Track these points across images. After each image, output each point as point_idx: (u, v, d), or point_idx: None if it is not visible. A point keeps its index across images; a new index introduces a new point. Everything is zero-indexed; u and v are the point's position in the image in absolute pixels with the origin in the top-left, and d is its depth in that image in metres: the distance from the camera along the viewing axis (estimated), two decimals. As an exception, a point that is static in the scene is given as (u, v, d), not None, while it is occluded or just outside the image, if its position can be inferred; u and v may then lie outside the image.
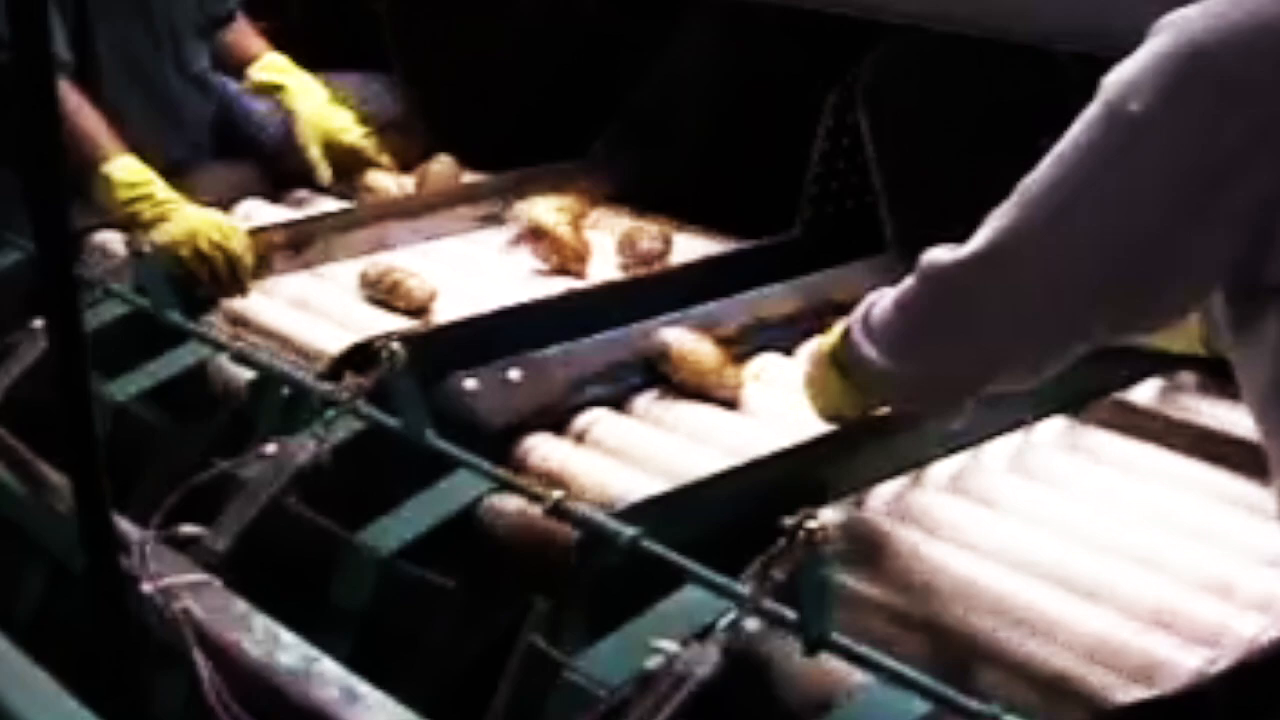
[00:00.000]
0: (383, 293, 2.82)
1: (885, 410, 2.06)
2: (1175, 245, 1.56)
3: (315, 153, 3.29)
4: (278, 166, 3.39)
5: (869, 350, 1.85)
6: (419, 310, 2.78)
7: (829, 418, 2.10)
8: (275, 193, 3.39)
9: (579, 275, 2.91)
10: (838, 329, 1.96)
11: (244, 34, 3.45)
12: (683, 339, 2.45)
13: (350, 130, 3.32)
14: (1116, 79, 1.56)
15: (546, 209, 3.02)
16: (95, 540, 1.29)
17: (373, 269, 2.88)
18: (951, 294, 1.74)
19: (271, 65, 3.38)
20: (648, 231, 2.99)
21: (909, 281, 1.80)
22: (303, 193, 3.39)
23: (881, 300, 1.86)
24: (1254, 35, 1.50)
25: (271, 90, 3.36)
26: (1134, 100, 1.54)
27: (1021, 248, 1.65)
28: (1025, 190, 1.64)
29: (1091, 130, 1.58)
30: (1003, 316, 1.71)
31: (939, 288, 1.75)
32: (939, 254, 1.75)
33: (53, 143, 1.19)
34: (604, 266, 2.96)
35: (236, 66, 3.42)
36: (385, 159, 3.34)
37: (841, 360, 1.94)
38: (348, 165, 3.31)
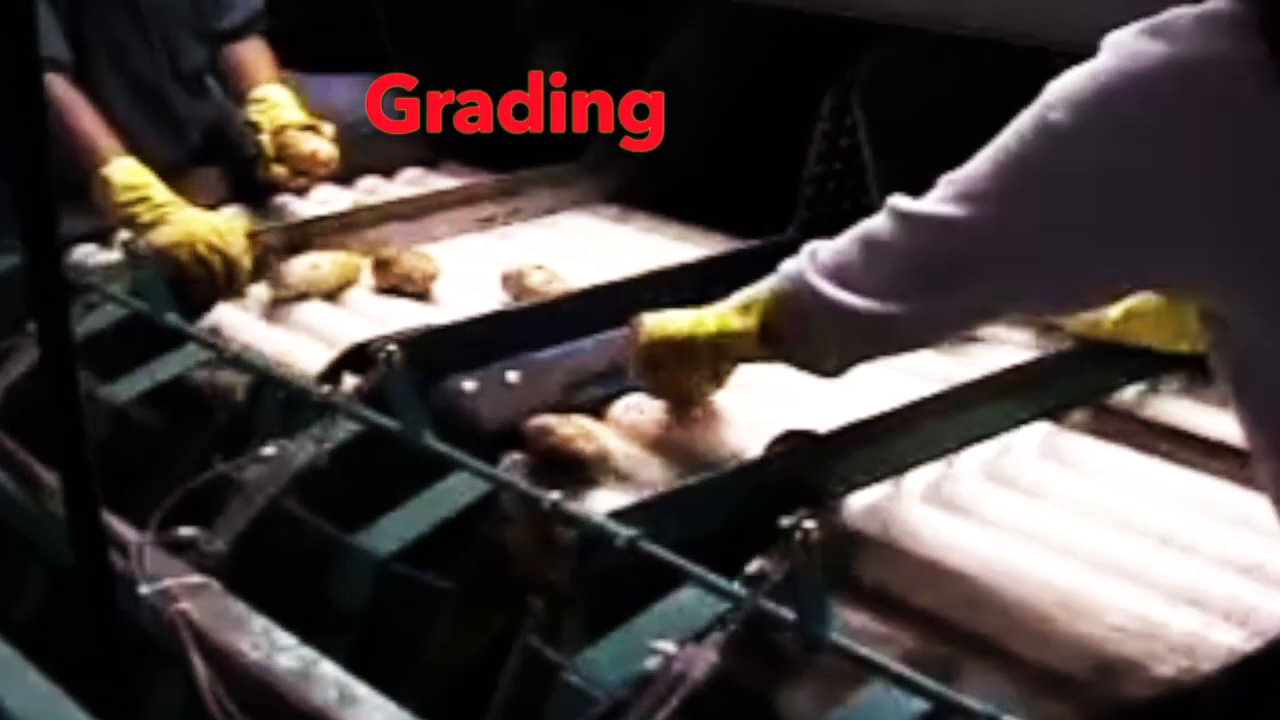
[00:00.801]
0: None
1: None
2: (1092, 249, 1.63)
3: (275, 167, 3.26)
4: (251, 173, 3.38)
5: (845, 297, 1.86)
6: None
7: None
8: (247, 200, 3.35)
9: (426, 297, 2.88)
10: (743, 297, 2.05)
11: (249, 60, 3.38)
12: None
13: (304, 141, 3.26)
14: (1053, 87, 1.62)
15: (310, 264, 2.90)
16: (85, 539, 1.29)
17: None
18: (917, 237, 1.78)
19: (255, 102, 3.31)
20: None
21: (875, 222, 1.83)
22: (281, 198, 3.37)
23: (826, 247, 1.90)
24: (1172, 72, 1.53)
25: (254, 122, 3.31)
26: (1058, 111, 1.60)
27: (962, 224, 1.71)
28: (971, 173, 1.70)
29: (1023, 132, 1.65)
30: (947, 278, 1.77)
31: (908, 228, 1.79)
32: (907, 200, 1.79)
33: (41, 146, 1.19)
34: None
35: (236, 93, 3.38)
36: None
37: (783, 320, 1.98)
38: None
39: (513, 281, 2.82)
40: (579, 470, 2.19)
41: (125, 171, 3.00)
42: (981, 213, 1.69)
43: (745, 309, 2.09)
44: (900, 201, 1.80)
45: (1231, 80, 1.51)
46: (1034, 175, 1.64)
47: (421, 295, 2.87)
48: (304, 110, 3.31)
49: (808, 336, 1.96)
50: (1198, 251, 1.55)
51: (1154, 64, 1.54)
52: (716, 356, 2.19)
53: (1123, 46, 1.57)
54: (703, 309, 2.19)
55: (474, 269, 3.00)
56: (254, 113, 3.27)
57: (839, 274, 1.87)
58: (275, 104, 3.27)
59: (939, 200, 1.74)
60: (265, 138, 3.24)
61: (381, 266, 2.89)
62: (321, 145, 3.25)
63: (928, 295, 1.79)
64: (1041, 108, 1.62)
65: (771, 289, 2.03)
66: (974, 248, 1.72)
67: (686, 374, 2.24)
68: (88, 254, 3.04)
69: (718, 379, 2.26)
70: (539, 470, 2.17)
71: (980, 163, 1.70)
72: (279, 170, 3.26)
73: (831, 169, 2.91)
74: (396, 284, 2.87)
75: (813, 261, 1.91)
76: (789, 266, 1.96)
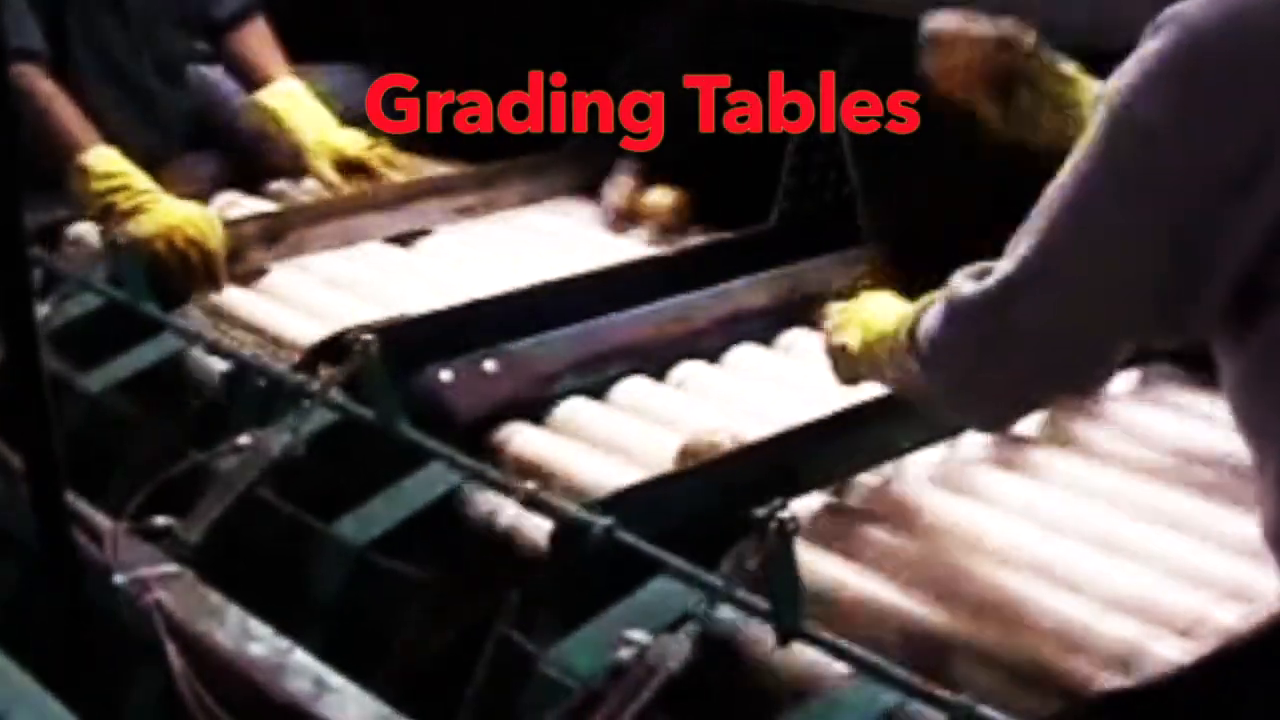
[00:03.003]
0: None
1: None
2: (1197, 252, 1.53)
3: (328, 173, 3.26)
4: (253, 158, 3.38)
5: (910, 359, 1.82)
6: None
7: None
8: (250, 184, 3.37)
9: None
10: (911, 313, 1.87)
11: (259, 48, 3.38)
12: None
13: (356, 143, 3.29)
14: (1120, 85, 1.54)
15: None
16: (48, 518, 1.28)
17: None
18: (978, 329, 1.70)
19: (273, 95, 3.33)
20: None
21: (939, 307, 1.75)
22: (279, 184, 3.38)
23: (933, 308, 1.79)
24: (1253, 18, 1.48)
25: (272, 118, 3.32)
26: (1140, 106, 1.52)
27: (1049, 266, 1.62)
28: (1045, 208, 1.62)
29: (1101, 141, 1.56)
30: (1034, 339, 1.67)
31: (966, 322, 1.71)
32: (963, 286, 1.71)
33: (7, 136, 1.19)
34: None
35: (248, 84, 3.37)
36: (390, 168, 3.29)
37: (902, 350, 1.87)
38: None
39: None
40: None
41: (104, 160, 2.99)
42: (1069, 242, 1.59)
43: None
44: (952, 283, 1.71)
45: None
46: (1130, 177, 1.54)
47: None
48: (325, 103, 3.34)
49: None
50: None
51: (1214, 23, 1.48)
52: None
53: (1177, 21, 1.50)
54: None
55: (451, 260, 3.00)
56: (270, 109, 3.30)
57: (917, 328, 1.80)
58: (316, 127, 3.29)
59: (999, 267, 1.65)
60: (327, 171, 3.25)
61: None
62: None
63: (965, 374, 1.74)
64: (1113, 113, 1.53)
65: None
66: (1050, 278, 1.62)
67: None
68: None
69: None
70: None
71: (1050, 202, 1.60)
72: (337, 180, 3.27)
73: (811, 160, 2.91)
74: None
75: (920, 306, 1.82)
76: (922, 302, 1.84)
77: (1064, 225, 1.60)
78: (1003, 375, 1.73)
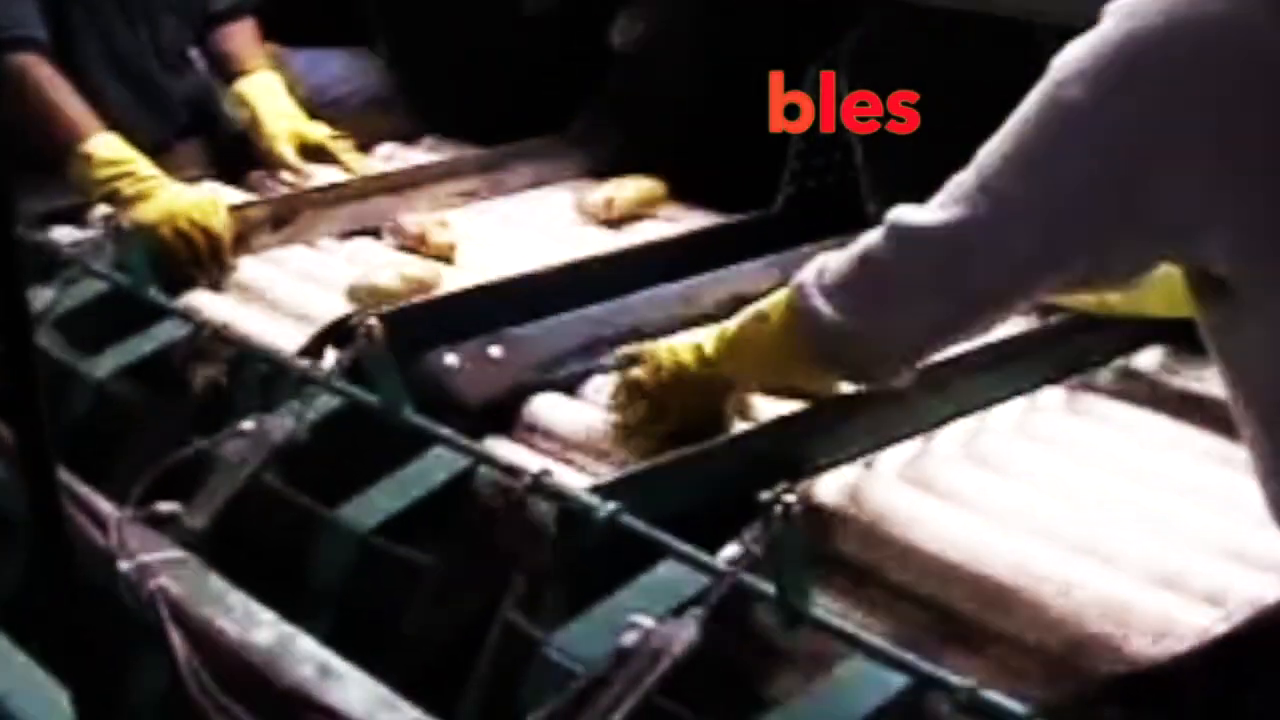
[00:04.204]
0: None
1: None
2: (1108, 227, 1.60)
3: (290, 156, 3.26)
4: (238, 150, 3.37)
5: (822, 306, 1.86)
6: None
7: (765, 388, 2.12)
8: (233, 175, 3.36)
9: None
10: (779, 294, 1.98)
11: (242, 43, 3.40)
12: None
13: (320, 131, 3.30)
14: (1061, 61, 1.59)
15: None
16: (40, 498, 1.27)
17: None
18: (917, 256, 1.77)
19: (249, 84, 3.34)
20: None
21: (874, 238, 1.82)
22: (259, 174, 3.36)
23: (835, 259, 1.88)
24: (1193, 33, 1.51)
25: (247, 105, 3.32)
26: (1071, 87, 1.57)
27: (978, 219, 1.68)
28: (981, 165, 1.67)
29: (1035, 111, 1.61)
30: (961, 282, 1.74)
31: (906, 247, 1.77)
32: (908, 214, 1.77)
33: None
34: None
35: (226, 75, 3.39)
36: (353, 156, 3.30)
37: (788, 321, 1.94)
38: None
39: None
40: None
41: (108, 146, 2.99)
42: (1000, 203, 1.65)
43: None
44: (902, 216, 1.78)
45: (1248, 31, 1.48)
46: (1054, 153, 1.60)
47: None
48: (292, 94, 3.34)
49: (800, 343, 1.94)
50: (1223, 211, 1.52)
51: (1167, 21, 1.51)
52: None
53: (1124, 14, 1.54)
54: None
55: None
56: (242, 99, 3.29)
57: (824, 281, 1.87)
58: (284, 118, 3.29)
59: (944, 205, 1.71)
60: (290, 153, 3.26)
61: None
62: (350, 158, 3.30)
63: (936, 302, 1.78)
64: (1051, 86, 1.59)
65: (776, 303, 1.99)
66: (989, 242, 1.69)
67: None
68: (66, 233, 3.03)
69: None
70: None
71: (988, 157, 1.66)
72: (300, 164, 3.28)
73: (816, 143, 2.90)
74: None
75: (818, 278, 1.89)
76: (797, 278, 1.94)
77: (993, 188, 1.66)
78: (922, 304, 1.79)
